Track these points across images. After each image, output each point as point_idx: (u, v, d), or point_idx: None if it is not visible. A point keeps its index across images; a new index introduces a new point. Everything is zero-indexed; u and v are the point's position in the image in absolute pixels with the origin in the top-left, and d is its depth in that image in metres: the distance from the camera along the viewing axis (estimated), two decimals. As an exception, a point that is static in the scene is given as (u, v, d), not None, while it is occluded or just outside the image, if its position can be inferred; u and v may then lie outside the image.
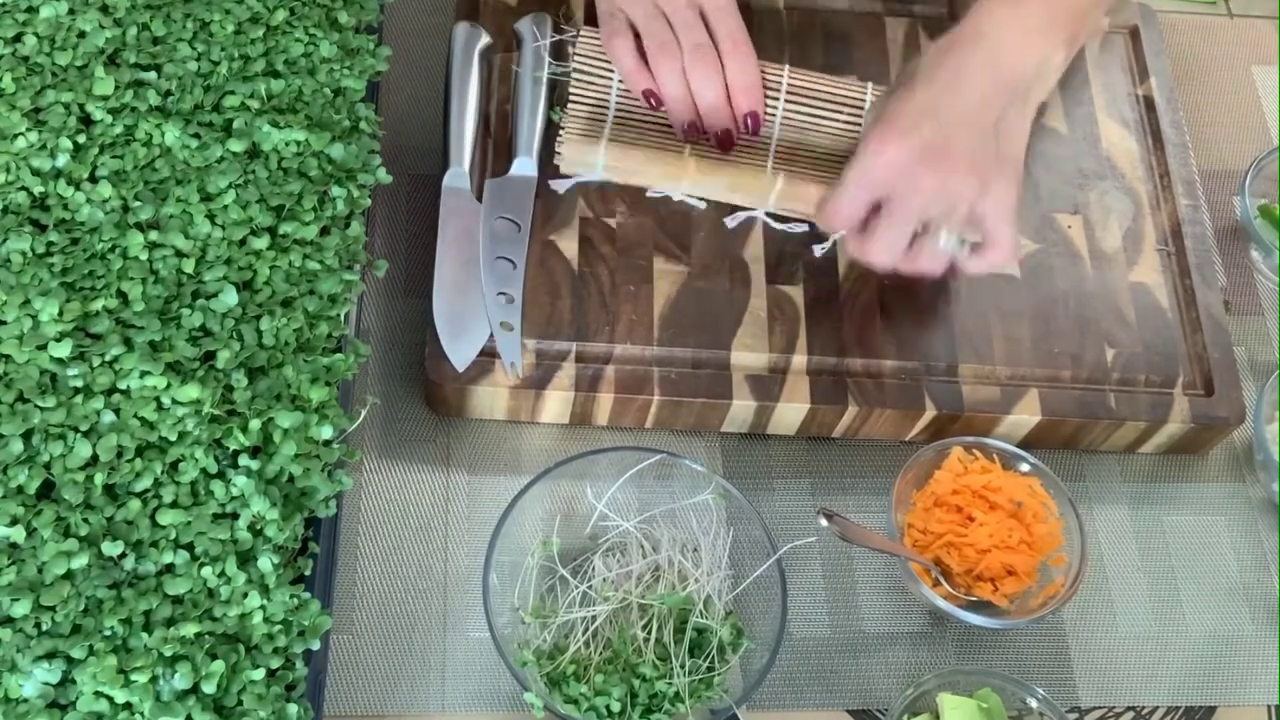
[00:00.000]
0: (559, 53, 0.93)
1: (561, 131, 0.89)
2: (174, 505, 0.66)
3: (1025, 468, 0.83)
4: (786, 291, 0.87)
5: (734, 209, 0.90)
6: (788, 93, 0.91)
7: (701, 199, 0.90)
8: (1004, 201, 0.81)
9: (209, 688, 0.62)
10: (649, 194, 0.89)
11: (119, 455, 0.67)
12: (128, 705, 0.62)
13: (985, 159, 0.80)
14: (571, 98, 0.91)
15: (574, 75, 0.91)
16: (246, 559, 0.66)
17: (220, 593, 0.65)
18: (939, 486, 0.82)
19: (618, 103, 0.90)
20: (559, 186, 0.89)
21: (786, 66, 0.92)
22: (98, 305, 0.70)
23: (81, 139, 0.75)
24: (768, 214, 0.90)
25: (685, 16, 0.87)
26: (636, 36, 0.88)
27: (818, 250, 0.89)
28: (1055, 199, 0.94)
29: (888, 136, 0.80)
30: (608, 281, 0.86)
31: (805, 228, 0.90)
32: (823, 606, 0.83)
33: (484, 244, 0.85)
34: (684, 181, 0.89)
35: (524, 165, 0.89)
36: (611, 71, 0.90)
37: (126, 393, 0.68)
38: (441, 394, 0.83)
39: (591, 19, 0.93)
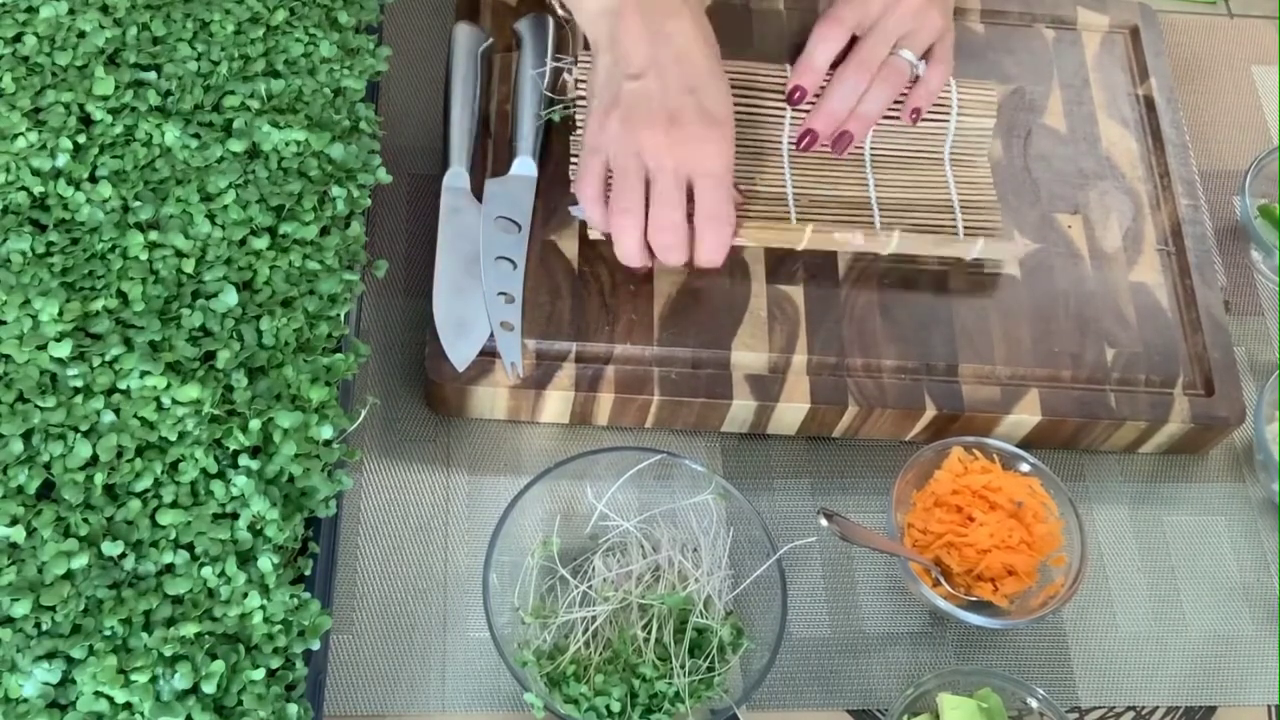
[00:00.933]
0: (559, 52, 0.93)
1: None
2: (174, 505, 0.66)
3: (1025, 468, 0.83)
4: (786, 291, 0.87)
5: None
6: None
7: None
8: (949, 35, 0.92)
9: (209, 688, 0.62)
10: None
11: (119, 455, 0.67)
12: (128, 705, 0.62)
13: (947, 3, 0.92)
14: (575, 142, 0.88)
15: (576, 107, 0.89)
16: (246, 559, 0.66)
17: (220, 593, 0.65)
18: (939, 486, 0.82)
19: None
20: (577, 213, 0.87)
21: (787, 66, 0.92)
22: (98, 305, 0.70)
23: (81, 139, 0.75)
24: None
25: (667, 189, 0.80)
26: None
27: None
28: (1055, 199, 0.94)
29: None
30: (608, 281, 0.86)
31: None
32: (823, 606, 0.83)
33: (484, 244, 0.85)
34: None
35: (524, 165, 0.89)
36: None
37: (126, 393, 0.68)
38: (442, 394, 0.83)
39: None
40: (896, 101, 0.91)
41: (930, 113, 0.92)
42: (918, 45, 0.91)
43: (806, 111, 0.91)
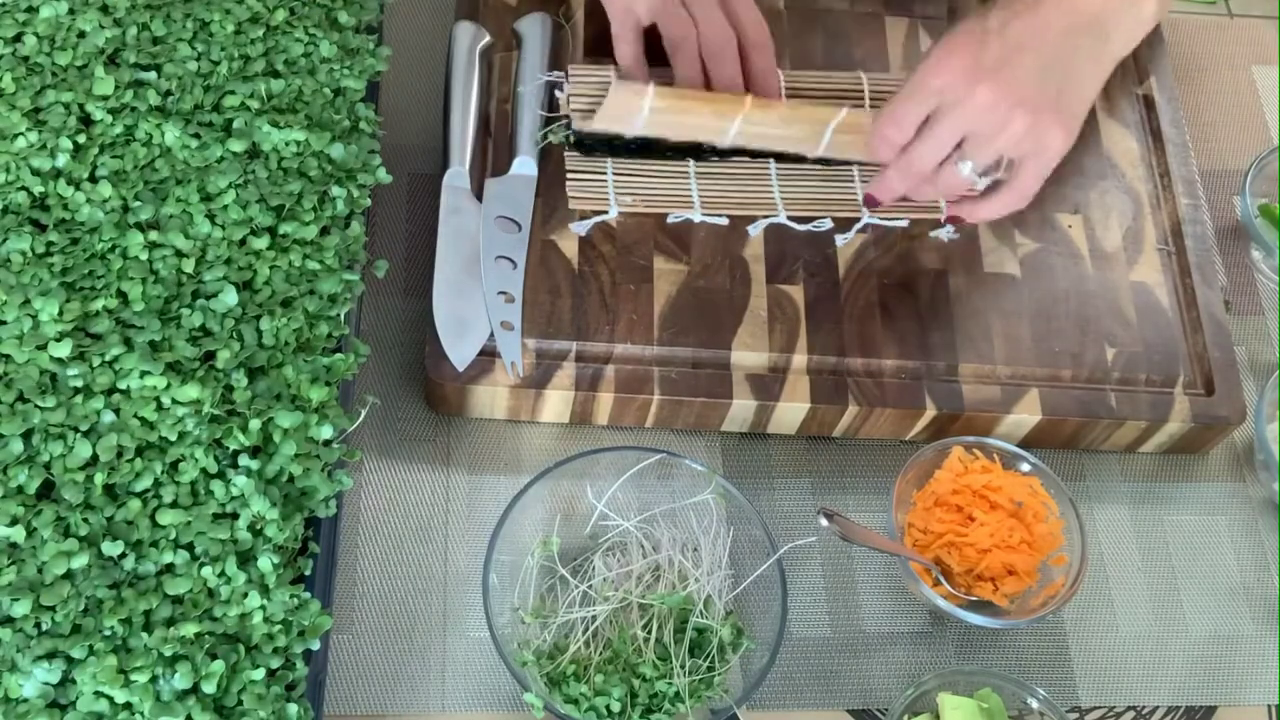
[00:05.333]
0: (558, 58, 0.93)
1: (611, 77, 0.90)
2: (174, 505, 0.66)
3: (1025, 467, 0.83)
4: (787, 291, 0.87)
5: (754, 218, 0.89)
6: (786, 93, 0.92)
7: (711, 214, 0.89)
8: (1049, 150, 0.79)
9: (209, 688, 0.62)
10: (669, 219, 0.89)
11: (119, 455, 0.67)
12: (128, 705, 0.62)
13: (1045, 96, 0.77)
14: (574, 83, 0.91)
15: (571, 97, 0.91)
16: (246, 559, 0.66)
17: (220, 593, 0.65)
18: (939, 486, 0.82)
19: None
20: (579, 229, 0.87)
21: (780, 73, 0.92)
22: (98, 305, 0.70)
23: (81, 139, 0.75)
24: (789, 217, 0.89)
25: (708, 5, 0.88)
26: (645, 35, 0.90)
27: (840, 241, 0.89)
28: (1056, 198, 0.94)
29: (950, 47, 0.77)
30: (608, 281, 0.86)
31: (829, 224, 0.90)
32: (823, 606, 0.83)
33: (484, 243, 0.85)
34: (737, 120, 0.87)
35: (524, 164, 0.89)
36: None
37: (126, 393, 0.68)
38: (442, 393, 0.83)
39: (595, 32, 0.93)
40: None
41: None
42: (987, 153, 0.79)
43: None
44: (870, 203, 0.87)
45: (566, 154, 0.89)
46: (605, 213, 0.88)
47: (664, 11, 0.88)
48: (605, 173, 0.89)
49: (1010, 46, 0.76)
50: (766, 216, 0.89)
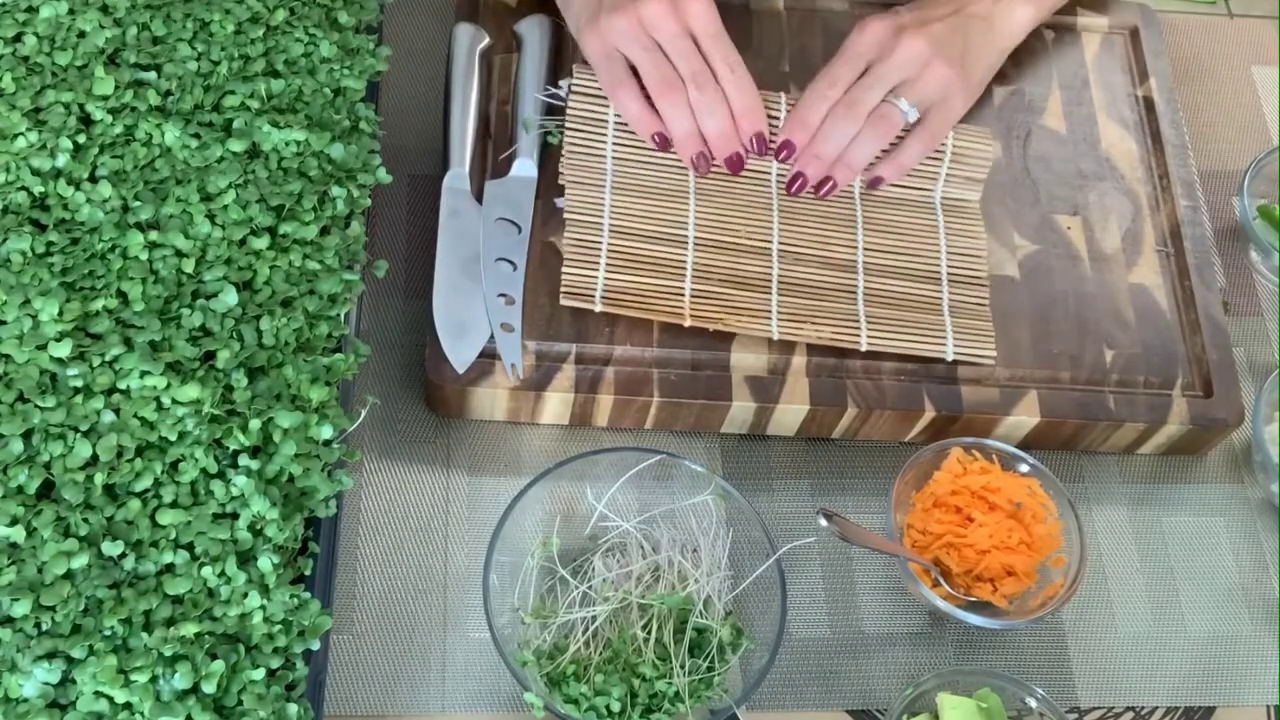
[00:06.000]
0: (558, 60, 0.93)
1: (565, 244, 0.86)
2: (174, 505, 0.66)
3: (1024, 468, 0.83)
4: (786, 292, 0.87)
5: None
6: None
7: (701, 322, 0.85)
8: (954, 102, 0.90)
9: (209, 688, 0.62)
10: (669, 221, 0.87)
11: (119, 455, 0.67)
12: (128, 705, 0.62)
13: (954, 55, 0.89)
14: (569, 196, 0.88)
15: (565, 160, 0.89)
16: (246, 559, 0.66)
17: (220, 593, 0.65)
18: (938, 487, 0.82)
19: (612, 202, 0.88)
20: (563, 204, 0.88)
21: (783, 95, 0.91)
22: (98, 305, 0.70)
23: (81, 139, 0.75)
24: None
25: (681, 46, 0.86)
26: (635, 78, 0.87)
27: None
28: (1054, 200, 0.94)
29: (867, 21, 0.90)
30: (607, 282, 0.86)
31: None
32: (822, 607, 0.83)
33: (484, 246, 0.85)
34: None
35: (524, 166, 0.89)
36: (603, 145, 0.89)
37: (126, 393, 0.68)
38: (442, 395, 0.83)
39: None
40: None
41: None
42: (918, 95, 0.89)
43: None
44: (797, 183, 0.89)
45: (563, 157, 0.89)
46: (592, 302, 0.84)
47: (642, 56, 0.86)
48: (599, 246, 0.86)
49: (921, 19, 0.90)
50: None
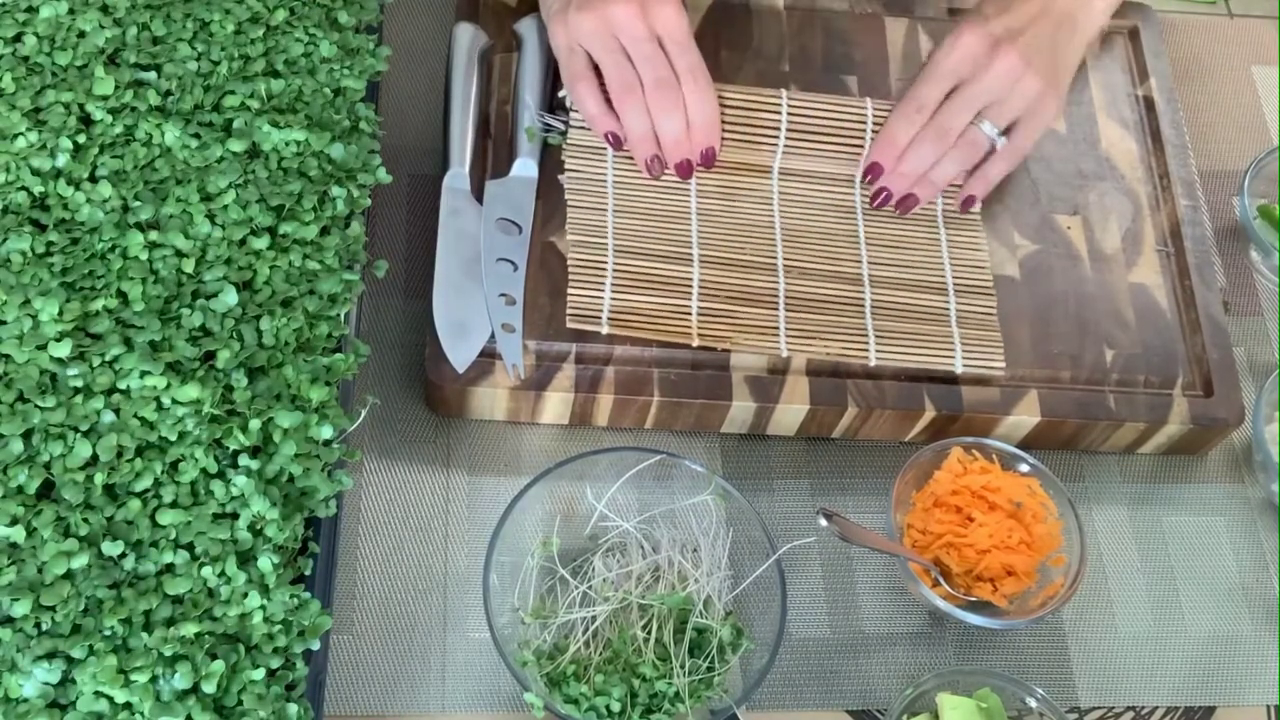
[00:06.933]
0: (557, 70, 0.93)
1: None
2: (174, 505, 0.66)
3: (1024, 468, 0.83)
4: (786, 292, 0.87)
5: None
6: (789, 116, 0.91)
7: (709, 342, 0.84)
8: (1046, 114, 0.89)
9: (209, 688, 0.62)
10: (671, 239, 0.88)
11: (119, 455, 0.67)
12: (128, 705, 0.62)
13: (1046, 65, 0.88)
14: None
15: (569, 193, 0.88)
16: (246, 559, 0.66)
17: (220, 593, 0.65)
18: (938, 487, 0.82)
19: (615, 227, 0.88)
20: (564, 180, 0.88)
21: (784, 92, 0.91)
22: (98, 305, 0.70)
23: (81, 139, 0.75)
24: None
25: (646, 50, 0.86)
26: (597, 72, 0.88)
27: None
28: (1055, 200, 0.94)
29: (957, 34, 0.88)
30: (608, 282, 0.86)
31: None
32: (822, 607, 0.83)
33: (485, 246, 0.85)
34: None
35: (524, 166, 0.89)
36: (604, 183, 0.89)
37: (126, 393, 0.68)
38: (441, 395, 0.83)
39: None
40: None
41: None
42: (1004, 115, 0.88)
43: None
44: (880, 198, 0.89)
45: (563, 158, 0.89)
46: (599, 324, 0.83)
47: (606, 54, 0.86)
48: (605, 266, 0.86)
49: (1012, 27, 0.88)
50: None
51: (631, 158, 0.89)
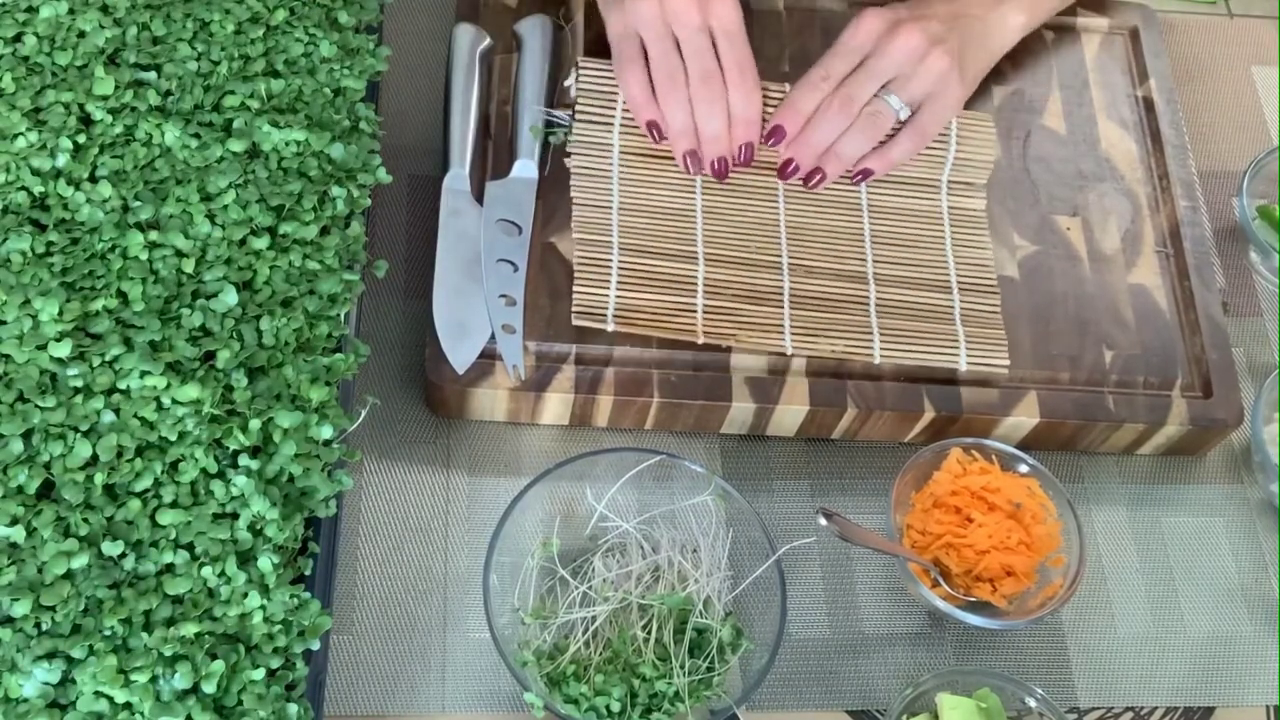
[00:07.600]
0: (558, 60, 0.93)
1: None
2: (174, 505, 0.66)
3: (1024, 469, 0.83)
4: (786, 292, 0.87)
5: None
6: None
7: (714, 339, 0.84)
8: (951, 97, 0.90)
9: (209, 688, 0.62)
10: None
11: (119, 455, 0.67)
12: (128, 705, 0.62)
13: (953, 46, 0.89)
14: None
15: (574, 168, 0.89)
16: (246, 559, 0.66)
17: (220, 593, 0.65)
18: (938, 488, 0.82)
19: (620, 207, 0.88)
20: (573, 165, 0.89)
21: (788, 87, 0.92)
22: (98, 305, 0.70)
23: (81, 139, 0.75)
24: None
25: (697, 42, 0.86)
26: (646, 61, 0.88)
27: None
28: (1054, 201, 0.94)
29: (863, 16, 0.90)
30: (607, 282, 0.86)
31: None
32: (822, 607, 0.83)
33: (485, 247, 0.85)
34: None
35: (525, 167, 0.89)
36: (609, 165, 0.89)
37: (126, 393, 0.68)
38: (441, 395, 0.83)
39: (593, 35, 0.92)
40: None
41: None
42: (912, 91, 0.89)
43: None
44: (789, 169, 0.89)
45: (566, 157, 0.89)
46: (604, 321, 0.83)
47: (657, 42, 0.87)
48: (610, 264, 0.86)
49: (918, 15, 0.90)
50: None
51: (640, 156, 0.89)
